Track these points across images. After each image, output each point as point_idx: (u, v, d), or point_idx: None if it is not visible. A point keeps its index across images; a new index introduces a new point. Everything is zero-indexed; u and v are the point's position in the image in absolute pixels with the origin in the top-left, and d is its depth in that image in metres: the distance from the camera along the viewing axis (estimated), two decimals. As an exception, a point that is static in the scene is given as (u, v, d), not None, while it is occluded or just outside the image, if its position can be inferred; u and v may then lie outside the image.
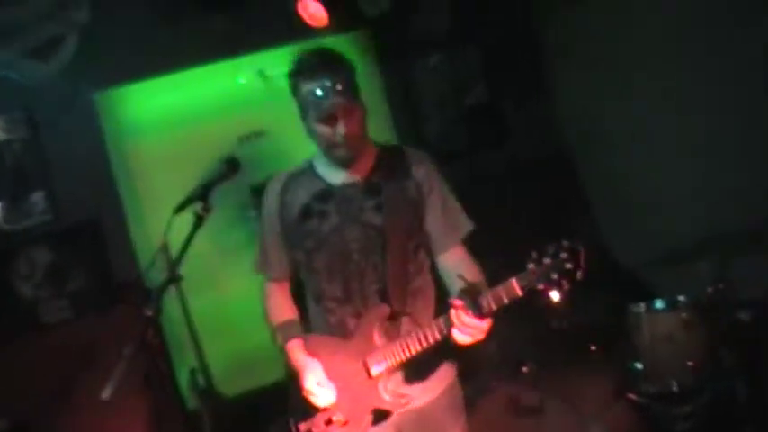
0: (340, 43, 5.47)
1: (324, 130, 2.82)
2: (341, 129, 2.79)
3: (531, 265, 2.44)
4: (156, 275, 3.62)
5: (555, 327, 4.23)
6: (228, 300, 5.42)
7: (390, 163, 2.96)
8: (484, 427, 3.99)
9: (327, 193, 2.96)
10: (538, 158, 5.42)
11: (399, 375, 2.90)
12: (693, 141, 4.35)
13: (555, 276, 2.40)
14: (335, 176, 2.97)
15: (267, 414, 4.94)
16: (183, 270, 4.35)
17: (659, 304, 3.92)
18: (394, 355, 2.79)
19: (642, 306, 3.92)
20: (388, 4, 5.28)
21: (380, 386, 2.84)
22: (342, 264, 2.91)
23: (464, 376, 4.57)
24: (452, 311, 2.62)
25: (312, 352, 3.00)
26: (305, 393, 2.91)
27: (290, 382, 3.03)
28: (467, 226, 3.00)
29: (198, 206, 2.75)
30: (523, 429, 3.88)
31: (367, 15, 5.35)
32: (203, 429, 4.66)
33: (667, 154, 4.56)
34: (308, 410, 2.94)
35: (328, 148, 2.87)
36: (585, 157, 5.42)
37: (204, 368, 4.86)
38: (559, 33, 5.49)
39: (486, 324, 2.59)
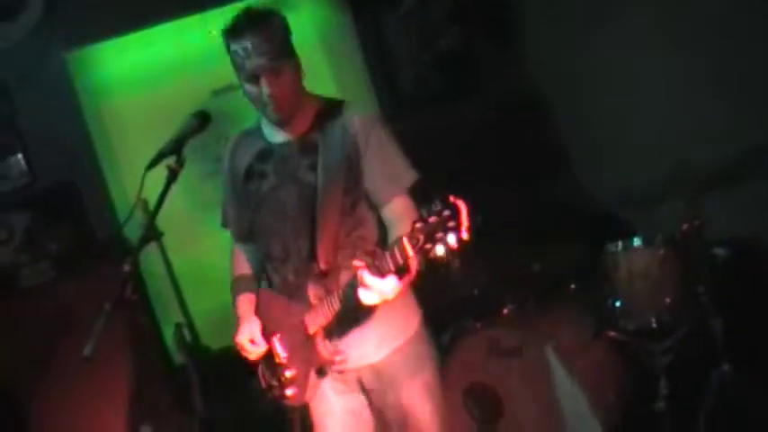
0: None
1: (250, 89, 2.83)
2: (265, 89, 2.79)
3: (418, 224, 2.33)
4: (134, 232, 3.63)
5: (535, 269, 4.25)
6: (209, 253, 5.42)
7: (328, 120, 2.93)
8: (465, 369, 4.06)
9: (267, 153, 2.99)
10: (512, 103, 5.41)
11: (341, 332, 2.90)
12: (665, 80, 4.35)
13: (439, 235, 2.29)
14: (275, 136, 2.99)
15: (252, 365, 4.99)
16: (162, 226, 4.39)
17: (636, 242, 3.94)
18: (325, 313, 2.80)
19: (619, 244, 3.95)
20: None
21: (319, 343, 2.86)
22: (280, 223, 2.95)
23: (444, 320, 4.65)
24: (359, 272, 2.56)
25: (263, 307, 3.07)
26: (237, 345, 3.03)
27: None
28: (408, 177, 2.94)
29: (171, 161, 2.73)
30: (504, 370, 3.90)
31: (337, -36, 5.33)
32: (191, 384, 4.70)
33: (639, 94, 4.56)
34: (273, 364, 3.01)
35: (259, 109, 2.88)
36: (559, 102, 5.41)
37: (189, 322, 4.89)
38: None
39: (389, 283, 2.52)
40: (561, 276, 4.36)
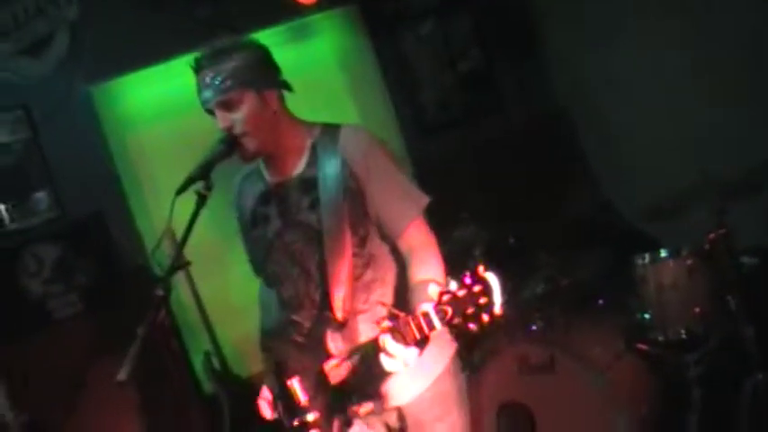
0: (329, 19, 5.49)
1: (216, 122, 2.72)
2: (219, 123, 2.70)
3: (446, 297, 2.24)
4: (164, 258, 3.65)
5: (561, 284, 4.24)
6: (236, 282, 5.45)
7: (324, 152, 2.74)
8: (496, 388, 4.04)
9: (268, 195, 2.84)
10: (535, 120, 5.44)
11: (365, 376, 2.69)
12: (690, 90, 4.35)
13: (471, 311, 2.21)
14: (272, 175, 2.84)
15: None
16: (190, 255, 4.40)
17: (663, 254, 3.93)
18: (347, 365, 2.64)
19: (647, 257, 3.93)
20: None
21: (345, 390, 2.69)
22: (289, 268, 2.81)
23: (472, 340, 4.64)
24: (381, 336, 2.42)
25: (283, 349, 2.86)
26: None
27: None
28: (421, 200, 2.78)
29: (200, 186, 2.67)
30: (535, 387, 3.89)
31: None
32: (222, 412, 4.71)
33: (664, 104, 4.56)
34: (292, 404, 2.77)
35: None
36: (582, 116, 5.43)
37: (218, 351, 4.91)
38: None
39: (412, 352, 2.40)
40: (589, 291, 4.34)
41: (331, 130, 2.80)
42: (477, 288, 2.19)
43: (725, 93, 4.18)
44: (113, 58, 5.08)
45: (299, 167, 2.78)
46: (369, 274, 2.79)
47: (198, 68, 2.70)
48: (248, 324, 5.48)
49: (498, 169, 5.20)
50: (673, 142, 4.53)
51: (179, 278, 4.46)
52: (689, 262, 3.79)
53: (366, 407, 2.72)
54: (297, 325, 2.85)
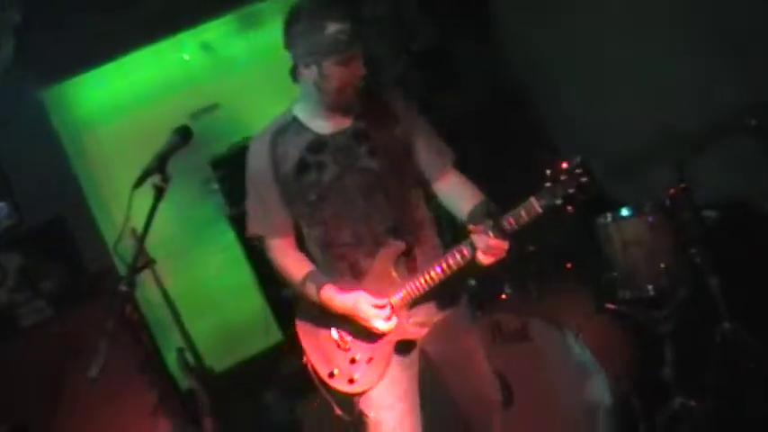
0: (279, 5, 5.45)
1: (342, 72, 2.85)
2: (361, 70, 2.88)
3: (548, 184, 2.67)
4: (128, 255, 3.62)
5: (529, 250, 4.25)
6: (205, 276, 5.44)
7: (369, 106, 3.03)
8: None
9: (320, 144, 3.01)
10: (491, 94, 5.44)
11: (419, 304, 3.01)
12: (644, 48, 4.35)
13: (572, 191, 2.66)
14: (324, 126, 3.02)
15: (259, 383, 4.98)
16: (155, 253, 4.38)
17: (625, 212, 3.94)
18: (417, 286, 2.93)
19: (609, 216, 3.95)
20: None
21: (404, 320, 2.97)
22: (348, 210, 3.00)
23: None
24: (474, 236, 2.79)
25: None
26: (365, 324, 2.96)
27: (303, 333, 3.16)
28: (451, 151, 3.14)
29: (156, 178, 2.69)
30: (510, 355, 3.89)
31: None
32: (201, 407, 4.69)
33: (618, 65, 4.56)
34: (327, 355, 3.07)
35: (339, 92, 2.90)
36: (537, 87, 5.43)
37: (191, 346, 4.88)
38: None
39: (507, 244, 2.78)
40: (557, 255, 4.36)
41: (365, 90, 3.04)
42: (578, 170, 2.67)
43: (683, 46, 4.17)
44: (62, 60, 5.01)
45: (351, 120, 3.02)
46: (418, 213, 3.09)
47: (341, 15, 2.81)
48: (219, 317, 5.52)
49: (461, 144, 5.20)
50: (629, 100, 4.53)
51: (146, 276, 4.42)
52: (650, 218, 3.81)
53: (427, 328, 3.06)
54: (349, 264, 3.04)
